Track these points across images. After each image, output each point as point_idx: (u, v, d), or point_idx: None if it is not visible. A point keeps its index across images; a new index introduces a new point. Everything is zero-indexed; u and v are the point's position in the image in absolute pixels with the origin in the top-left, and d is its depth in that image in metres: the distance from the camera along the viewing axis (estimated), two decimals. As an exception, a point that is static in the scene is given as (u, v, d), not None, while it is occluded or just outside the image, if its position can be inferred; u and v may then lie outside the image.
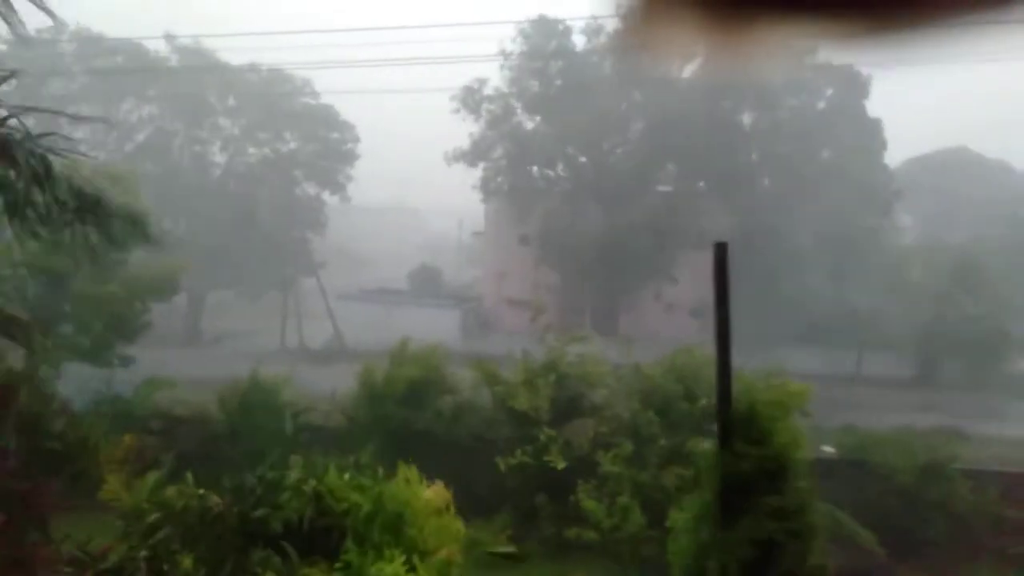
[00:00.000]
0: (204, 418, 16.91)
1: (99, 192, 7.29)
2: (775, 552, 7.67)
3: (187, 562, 9.73)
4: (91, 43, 34.13)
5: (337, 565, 9.71)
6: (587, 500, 13.79)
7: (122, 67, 32.77)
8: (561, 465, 14.47)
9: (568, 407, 15.52)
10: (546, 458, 14.62)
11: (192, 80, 33.84)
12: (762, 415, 7.95)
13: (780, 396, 8.41)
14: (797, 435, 8.23)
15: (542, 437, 14.86)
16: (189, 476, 10.89)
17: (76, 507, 11.30)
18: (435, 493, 10.98)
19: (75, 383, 16.14)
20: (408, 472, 10.79)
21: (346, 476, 10.82)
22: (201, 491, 10.59)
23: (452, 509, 10.82)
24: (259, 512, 10.17)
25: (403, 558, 9.72)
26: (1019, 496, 15.07)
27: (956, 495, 15.10)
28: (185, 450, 15.06)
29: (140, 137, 35.34)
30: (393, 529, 10.22)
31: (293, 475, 10.84)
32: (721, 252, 7.88)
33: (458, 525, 10.71)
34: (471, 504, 12.41)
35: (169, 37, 34.60)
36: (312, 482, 10.70)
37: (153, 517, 10.34)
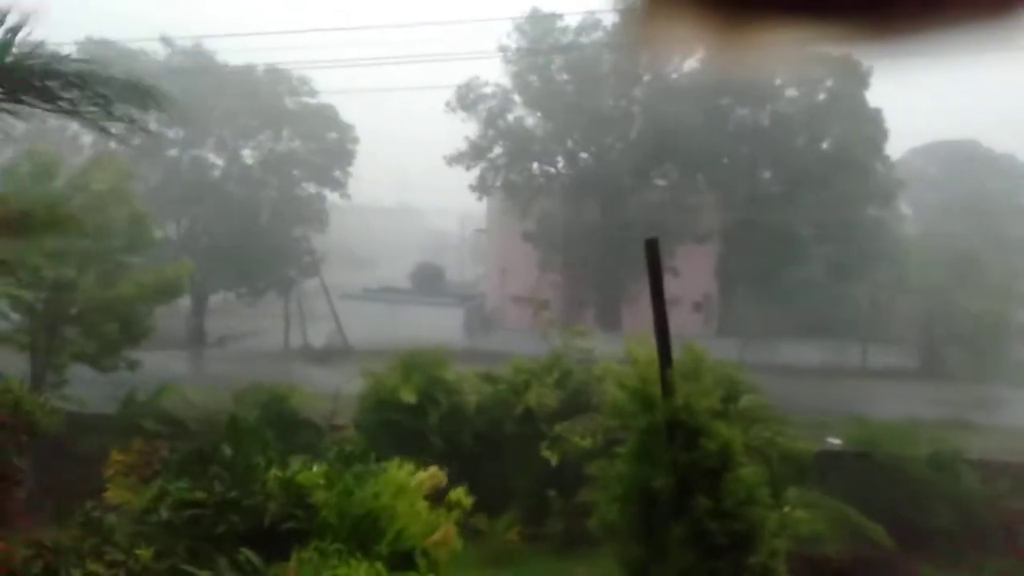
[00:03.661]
0: (214, 423, 16.84)
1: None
2: (719, 553, 7.31)
3: (147, 556, 9.29)
4: (89, 48, 33.95)
5: (291, 563, 9.05)
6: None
7: (120, 72, 32.49)
8: (555, 460, 14.44)
9: (574, 403, 15.49)
10: (545, 452, 14.61)
11: (188, 82, 33.68)
12: (697, 412, 7.52)
13: (715, 387, 7.98)
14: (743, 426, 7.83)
15: (548, 434, 14.86)
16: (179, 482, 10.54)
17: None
18: (429, 476, 10.36)
19: (88, 388, 16.13)
20: (401, 465, 10.14)
21: (315, 468, 10.09)
22: (178, 486, 10.23)
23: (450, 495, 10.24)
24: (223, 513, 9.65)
25: (367, 564, 8.84)
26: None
27: (964, 486, 15.09)
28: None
29: (136, 142, 35.10)
30: (365, 526, 9.41)
31: (262, 469, 10.23)
32: (652, 249, 7.64)
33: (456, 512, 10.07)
34: (479, 502, 12.42)
35: (166, 39, 34.44)
36: (275, 472, 10.07)
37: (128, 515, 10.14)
